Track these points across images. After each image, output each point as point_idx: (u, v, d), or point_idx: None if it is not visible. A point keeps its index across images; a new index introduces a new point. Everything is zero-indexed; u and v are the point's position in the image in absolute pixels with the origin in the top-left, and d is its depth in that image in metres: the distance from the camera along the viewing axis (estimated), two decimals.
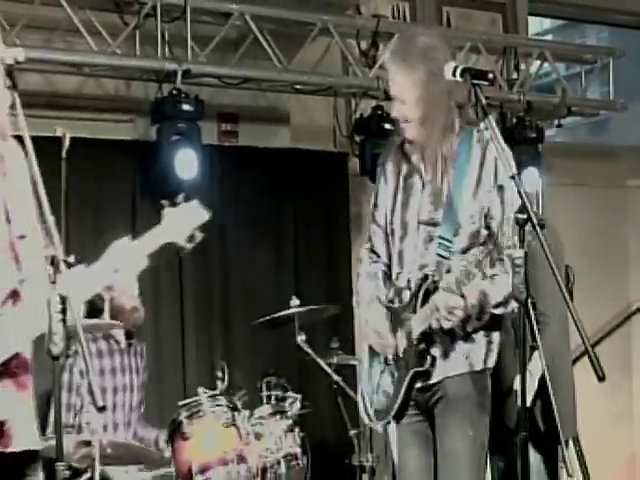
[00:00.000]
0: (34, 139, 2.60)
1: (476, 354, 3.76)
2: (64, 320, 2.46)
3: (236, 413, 4.83)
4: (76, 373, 4.99)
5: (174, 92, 6.20)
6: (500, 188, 3.67)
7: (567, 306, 2.98)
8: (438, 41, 3.78)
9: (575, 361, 4.67)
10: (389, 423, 3.92)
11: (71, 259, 2.53)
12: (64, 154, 4.28)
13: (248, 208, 6.40)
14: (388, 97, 4.01)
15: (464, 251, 3.66)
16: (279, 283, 6.81)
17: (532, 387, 4.06)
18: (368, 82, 6.82)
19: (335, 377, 5.62)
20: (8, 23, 5.75)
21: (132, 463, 4.81)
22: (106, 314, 4.91)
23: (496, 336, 3.80)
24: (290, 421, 5.06)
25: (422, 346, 3.74)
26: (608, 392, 7.57)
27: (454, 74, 3.39)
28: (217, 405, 4.83)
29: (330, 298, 5.82)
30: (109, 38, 6.10)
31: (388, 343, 3.80)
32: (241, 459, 4.72)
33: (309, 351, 5.53)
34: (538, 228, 2.99)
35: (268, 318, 5.51)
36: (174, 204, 2.94)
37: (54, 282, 2.47)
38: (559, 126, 8.07)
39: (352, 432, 5.62)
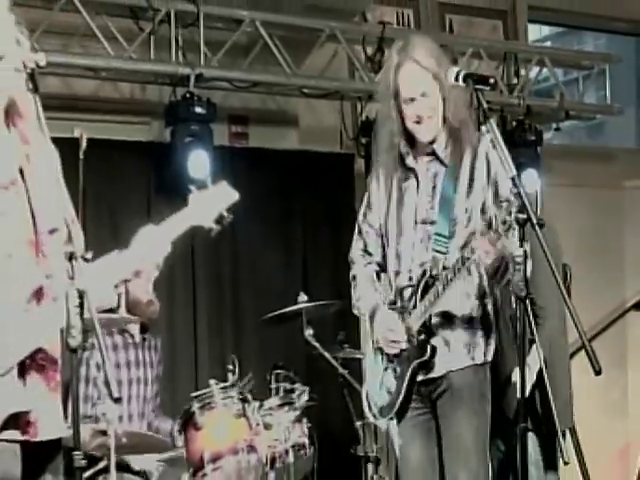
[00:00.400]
0: (53, 140, 2.62)
1: (476, 349, 3.85)
2: (82, 314, 2.45)
3: (246, 404, 4.85)
4: (93, 366, 5.08)
5: (187, 95, 6.27)
6: (494, 183, 3.72)
7: (564, 302, 3.04)
8: (436, 46, 3.87)
9: (572, 355, 4.70)
10: (392, 419, 3.97)
11: (89, 255, 2.52)
12: (82, 155, 4.36)
13: (258, 207, 6.35)
14: None
15: (461, 247, 3.69)
16: (288, 280, 6.82)
17: (530, 379, 4.00)
18: (374, 86, 6.64)
19: (341, 370, 5.64)
20: (28, 29, 5.58)
21: (146, 452, 4.87)
22: (122, 308, 4.84)
23: (492, 334, 3.89)
24: (298, 412, 5.07)
25: (422, 337, 3.81)
26: (604, 385, 7.54)
27: (457, 79, 3.44)
28: (228, 397, 4.84)
29: (337, 294, 5.69)
30: (125, 43, 6.17)
31: (401, 338, 3.84)
32: (251, 449, 4.75)
33: (316, 345, 5.55)
34: (537, 227, 3.02)
35: (277, 313, 5.51)
36: (201, 188, 2.87)
37: (72, 278, 2.45)
38: (557, 129, 8.12)
39: (358, 423, 5.63)
